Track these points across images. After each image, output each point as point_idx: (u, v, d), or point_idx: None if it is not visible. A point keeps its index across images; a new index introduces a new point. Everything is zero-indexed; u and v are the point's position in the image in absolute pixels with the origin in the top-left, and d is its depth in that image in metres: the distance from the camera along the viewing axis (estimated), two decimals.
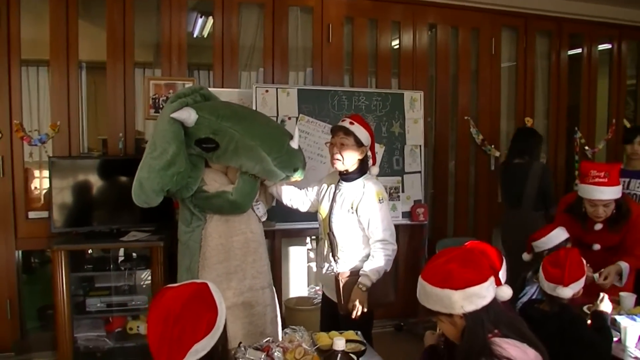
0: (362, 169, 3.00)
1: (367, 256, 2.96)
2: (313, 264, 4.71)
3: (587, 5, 5.39)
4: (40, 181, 4.38)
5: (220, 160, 3.01)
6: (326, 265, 3.06)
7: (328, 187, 3.10)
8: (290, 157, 3.00)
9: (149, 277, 3.99)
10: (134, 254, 4.10)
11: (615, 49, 5.76)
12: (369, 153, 3.03)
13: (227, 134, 2.92)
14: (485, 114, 5.19)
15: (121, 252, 4.06)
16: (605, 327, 2.49)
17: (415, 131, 4.44)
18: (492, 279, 1.76)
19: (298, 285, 4.55)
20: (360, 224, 2.94)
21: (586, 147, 5.54)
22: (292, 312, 4.13)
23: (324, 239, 3.11)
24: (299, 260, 4.60)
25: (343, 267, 3.00)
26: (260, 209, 3.26)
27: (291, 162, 3.01)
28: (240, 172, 3.02)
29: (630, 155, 4.17)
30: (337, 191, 3.01)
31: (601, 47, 5.74)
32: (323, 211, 3.07)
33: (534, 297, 2.87)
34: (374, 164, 3.09)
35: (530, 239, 3.09)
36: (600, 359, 2.42)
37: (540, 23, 5.41)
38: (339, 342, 1.74)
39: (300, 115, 4.14)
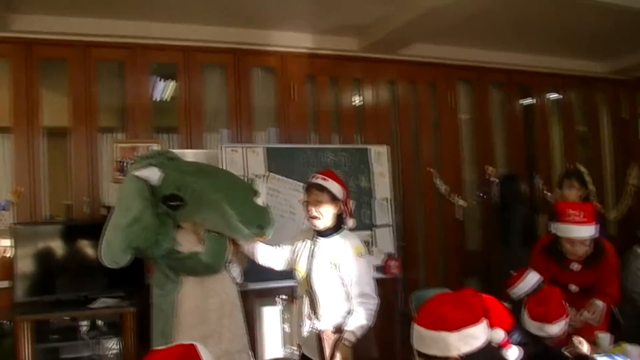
0: (338, 224, 3.00)
1: (349, 311, 2.92)
2: (286, 325, 4.62)
3: (532, 57, 5.65)
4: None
5: (186, 217, 3.00)
6: (307, 323, 3.00)
7: (303, 243, 3.08)
8: (255, 212, 2.99)
9: (117, 345, 3.85)
10: (102, 322, 3.94)
11: (564, 98, 6.04)
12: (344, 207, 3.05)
13: (190, 187, 2.92)
14: (448, 164, 5.32)
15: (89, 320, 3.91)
16: None
17: (382, 184, 4.49)
18: (485, 321, 1.77)
19: (273, 346, 4.45)
20: (341, 279, 2.92)
21: (546, 192, 5.70)
22: None
23: (303, 296, 3.06)
24: (272, 320, 4.51)
25: (325, 324, 2.95)
26: (235, 270, 3.22)
27: (256, 218, 2.96)
28: (205, 232, 3.01)
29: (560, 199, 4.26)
30: (315, 247, 2.99)
31: (551, 96, 6.02)
32: (301, 269, 3.04)
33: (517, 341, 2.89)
34: (350, 217, 3.09)
35: (505, 287, 3.12)
36: None
37: (492, 75, 5.66)
38: None
39: (270, 173, 4.15)
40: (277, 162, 4.20)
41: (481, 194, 5.34)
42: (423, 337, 1.76)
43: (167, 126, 4.85)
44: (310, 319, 3.01)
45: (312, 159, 4.30)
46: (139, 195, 2.88)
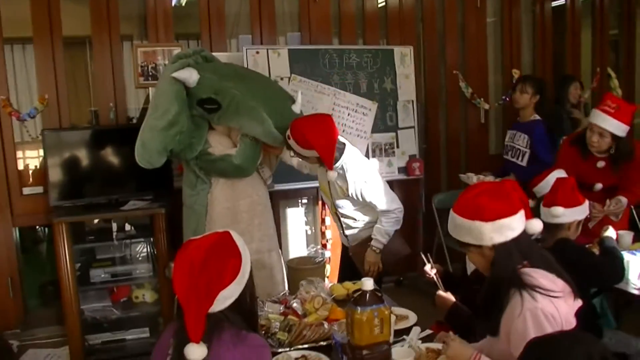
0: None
1: (373, 224, 3.05)
2: (309, 227, 4.74)
3: None
4: (30, 157, 4.35)
5: (221, 121, 3.00)
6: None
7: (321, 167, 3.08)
8: (292, 120, 2.99)
9: (148, 246, 4.00)
10: (134, 224, 4.08)
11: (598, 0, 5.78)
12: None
13: (228, 93, 2.89)
14: (473, 68, 5.20)
15: (121, 222, 4.04)
16: (613, 248, 2.56)
17: (407, 86, 4.44)
18: (522, 212, 1.78)
19: (298, 246, 4.59)
20: (361, 203, 3.01)
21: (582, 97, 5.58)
22: (295, 272, 4.16)
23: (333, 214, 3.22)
24: (297, 221, 4.62)
25: (352, 240, 3.16)
26: (266, 172, 3.26)
27: None
28: (241, 136, 3.01)
29: (513, 104, 4.33)
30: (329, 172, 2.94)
31: None
32: (326, 191, 3.11)
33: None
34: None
35: (531, 186, 3.13)
36: (610, 277, 2.49)
37: None
38: (368, 283, 1.77)
39: (293, 75, 4.11)
40: (301, 64, 4.14)
41: (506, 98, 5.25)
42: (458, 226, 1.80)
43: (189, 32, 4.79)
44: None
45: (335, 60, 4.23)
46: (176, 97, 2.86)
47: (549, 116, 4.81)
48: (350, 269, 3.23)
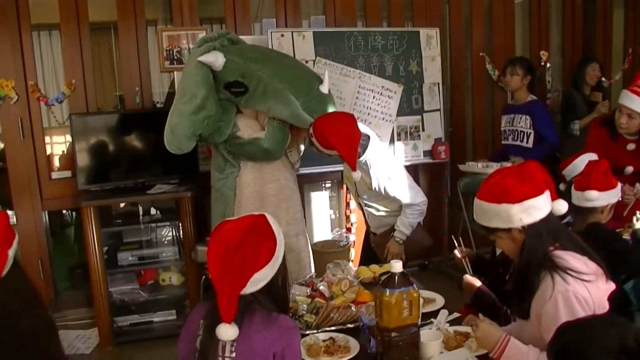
0: None
1: (397, 212, 3.04)
2: (333, 211, 4.74)
3: None
4: (57, 142, 4.41)
5: (249, 104, 2.99)
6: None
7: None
8: (320, 101, 2.97)
9: (175, 229, 4.03)
10: (158, 209, 4.11)
11: None
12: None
13: (255, 76, 2.88)
14: (499, 50, 5.10)
15: (147, 205, 4.07)
16: None
17: (432, 69, 4.38)
18: (548, 192, 1.76)
19: (322, 229, 4.58)
20: (385, 195, 2.99)
21: (603, 79, 5.46)
22: (320, 255, 4.16)
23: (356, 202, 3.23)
24: (321, 205, 4.61)
25: (374, 227, 3.18)
26: (294, 155, 3.25)
27: (320, 106, 2.96)
28: (268, 119, 3.00)
29: (506, 88, 4.35)
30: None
31: None
32: (350, 180, 3.09)
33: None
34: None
35: (560, 168, 3.07)
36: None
37: None
38: (397, 265, 1.76)
39: (317, 58, 4.08)
40: (325, 47, 4.11)
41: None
42: (485, 211, 1.77)
43: (213, 16, 4.78)
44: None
45: (360, 42, 4.18)
46: (204, 82, 2.86)
47: (563, 98, 4.76)
48: (372, 253, 3.22)
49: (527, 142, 4.13)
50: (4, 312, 1.36)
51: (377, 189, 2.91)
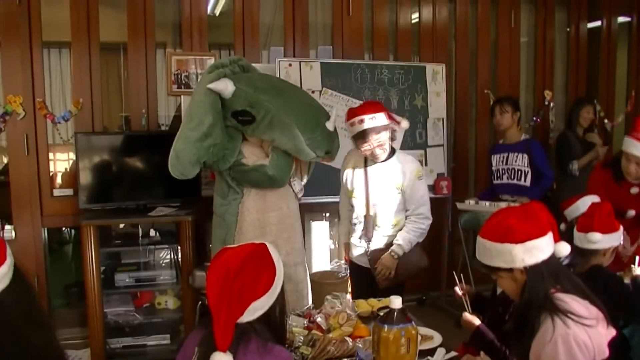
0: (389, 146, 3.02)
1: (399, 228, 3.03)
2: (332, 242, 4.72)
3: None
4: (61, 159, 4.41)
5: (255, 134, 2.99)
6: (360, 243, 3.16)
7: (353, 171, 3.11)
8: (324, 138, 2.97)
9: (173, 253, 4.01)
10: (160, 230, 4.09)
11: (635, 22, 5.69)
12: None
13: (263, 107, 2.89)
14: (504, 87, 5.15)
15: (147, 227, 4.06)
16: None
17: (437, 104, 4.42)
18: (550, 234, 1.75)
19: (321, 259, 4.56)
20: (403, 202, 3.00)
21: (605, 120, 5.51)
22: (318, 286, 4.14)
23: (359, 220, 3.14)
24: (321, 235, 4.60)
25: (376, 245, 3.10)
26: (297, 185, 3.25)
27: (324, 144, 2.98)
28: (272, 147, 3.01)
29: (496, 127, 4.30)
30: (371, 173, 3.02)
31: (620, 19, 5.67)
32: (358, 195, 3.09)
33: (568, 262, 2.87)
34: (397, 124, 3.03)
35: (562, 208, 3.07)
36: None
37: None
38: (396, 301, 1.75)
39: (324, 88, 4.12)
40: (332, 78, 4.16)
41: (537, 119, 5.20)
42: (488, 250, 1.77)
43: (222, 42, 4.83)
44: (364, 239, 3.12)
45: (367, 75, 4.24)
46: (211, 109, 2.86)
47: (557, 138, 4.77)
48: (364, 285, 3.18)
49: (524, 180, 4.10)
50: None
51: (405, 186, 2.96)
